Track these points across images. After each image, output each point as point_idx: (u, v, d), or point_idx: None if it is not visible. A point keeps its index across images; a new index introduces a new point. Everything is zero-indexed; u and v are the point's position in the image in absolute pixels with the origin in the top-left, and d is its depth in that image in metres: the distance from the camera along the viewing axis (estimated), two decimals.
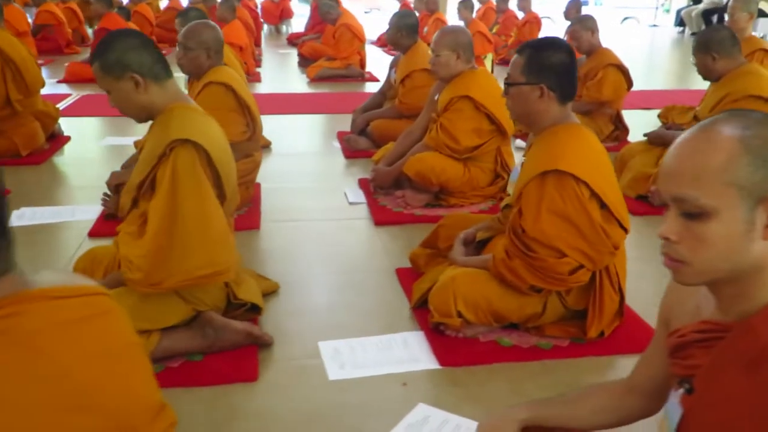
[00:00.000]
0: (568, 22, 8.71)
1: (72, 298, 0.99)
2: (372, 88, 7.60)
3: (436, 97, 3.80)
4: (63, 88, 7.27)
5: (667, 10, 17.30)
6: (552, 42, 2.34)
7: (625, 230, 2.30)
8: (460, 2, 9.21)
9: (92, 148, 5.02)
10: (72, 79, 7.55)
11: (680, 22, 14.21)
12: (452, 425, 1.96)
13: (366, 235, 3.43)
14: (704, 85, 4.01)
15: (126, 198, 2.19)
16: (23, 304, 0.93)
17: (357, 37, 7.84)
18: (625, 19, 19.14)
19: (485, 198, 3.76)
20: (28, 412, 0.88)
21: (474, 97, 3.53)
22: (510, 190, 2.52)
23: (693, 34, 12.58)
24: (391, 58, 5.55)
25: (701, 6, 13.57)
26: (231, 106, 3.41)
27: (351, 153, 4.81)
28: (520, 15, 10.01)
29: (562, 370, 2.24)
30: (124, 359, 1.01)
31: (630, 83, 4.99)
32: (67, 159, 4.73)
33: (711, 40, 3.70)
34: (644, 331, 2.44)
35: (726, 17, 5.58)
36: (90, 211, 3.62)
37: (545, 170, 2.20)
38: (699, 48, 3.74)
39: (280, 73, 8.92)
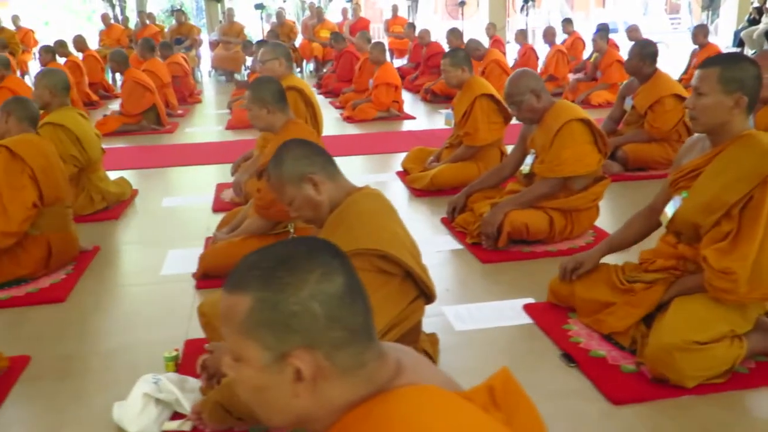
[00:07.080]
0: (695, 46, 9.18)
1: None
2: None
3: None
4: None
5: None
6: None
7: None
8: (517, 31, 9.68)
9: None
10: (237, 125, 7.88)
11: (739, 42, 14.72)
12: None
13: None
14: None
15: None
16: None
17: (505, 72, 8.16)
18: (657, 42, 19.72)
19: None
20: None
21: None
22: None
23: (754, 53, 13.04)
24: None
25: (762, 26, 14.10)
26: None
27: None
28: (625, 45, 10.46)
29: None
30: None
31: None
32: None
33: None
34: None
35: None
36: None
37: None
38: None
39: (414, 109, 9.05)
